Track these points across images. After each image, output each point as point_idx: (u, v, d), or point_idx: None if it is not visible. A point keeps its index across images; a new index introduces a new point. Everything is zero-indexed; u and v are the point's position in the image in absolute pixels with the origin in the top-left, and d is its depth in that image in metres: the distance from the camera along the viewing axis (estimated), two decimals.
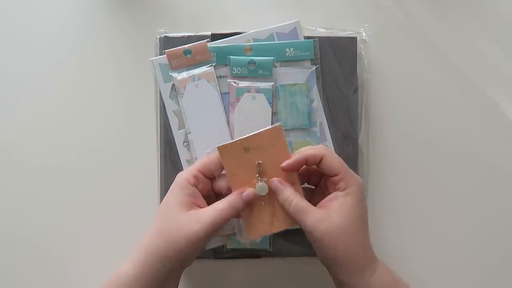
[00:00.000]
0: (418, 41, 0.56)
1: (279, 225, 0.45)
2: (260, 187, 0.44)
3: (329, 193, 0.45)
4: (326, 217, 0.42)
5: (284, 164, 0.44)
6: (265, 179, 0.44)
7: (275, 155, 0.44)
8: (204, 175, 0.45)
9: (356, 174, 0.45)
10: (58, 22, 0.55)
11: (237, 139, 0.44)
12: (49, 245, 0.54)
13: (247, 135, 0.44)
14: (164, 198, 0.45)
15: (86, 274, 0.54)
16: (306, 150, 0.44)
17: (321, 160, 0.44)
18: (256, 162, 0.44)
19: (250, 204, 0.44)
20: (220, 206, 0.43)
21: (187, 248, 0.41)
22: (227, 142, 0.44)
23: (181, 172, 0.46)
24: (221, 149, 0.44)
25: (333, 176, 0.44)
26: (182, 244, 0.41)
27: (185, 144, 0.52)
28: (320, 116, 0.52)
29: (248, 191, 0.44)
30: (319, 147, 0.45)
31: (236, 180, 0.44)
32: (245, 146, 0.44)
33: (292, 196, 0.44)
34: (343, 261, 0.42)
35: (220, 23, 0.55)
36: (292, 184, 0.45)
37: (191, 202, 0.43)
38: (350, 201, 0.43)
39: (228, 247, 0.51)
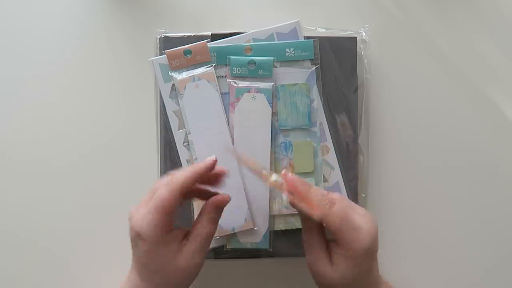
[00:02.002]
0: (418, 41, 0.56)
1: None
2: (276, 175, 0.42)
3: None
4: (326, 267, 0.42)
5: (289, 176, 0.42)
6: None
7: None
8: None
9: (362, 232, 0.40)
10: (58, 23, 0.55)
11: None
12: (49, 245, 0.54)
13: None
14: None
15: (85, 274, 0.54)
16: (311, 192, 0.42)
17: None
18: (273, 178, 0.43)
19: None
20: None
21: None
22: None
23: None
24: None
25: (333, 234, 0.41)
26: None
27: (185, 144, 0.52)
28: (320, 116, 0.52)
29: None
30: (324, 203, 0.41)
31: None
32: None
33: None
34: None
35: (220, 23, 0.55)
36: None
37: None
38: (348, 263, 0.41)
39: (228, 247, 0.51)
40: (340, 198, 0.42)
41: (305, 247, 0.44)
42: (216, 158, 0.43)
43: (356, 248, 0.40)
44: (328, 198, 0.41)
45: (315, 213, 0.40)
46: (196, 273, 0.43)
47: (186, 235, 0.43)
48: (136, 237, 0.41)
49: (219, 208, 0.43)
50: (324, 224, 0.41)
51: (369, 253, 0.41)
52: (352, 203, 0.43)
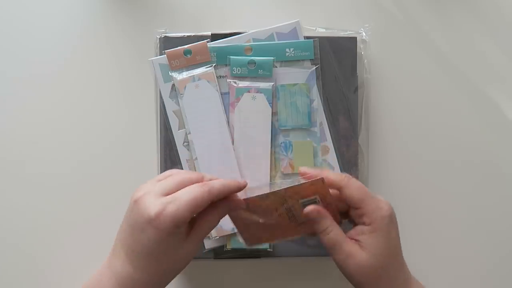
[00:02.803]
0: (418, 41, 0.56)
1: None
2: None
3: (356, 223, 0.43)
4: (356, 254, 0.41)
5: (302, 169, 0.43)
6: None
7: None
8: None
9: (381, 201, 0.42)
10: (58, 23, 0.55)
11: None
12: (49, 246, 0.54)
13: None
14: None
15: (85, 274, 0.54)
16: (327, 173, 0.43)
17: (340, 189, 0.43)
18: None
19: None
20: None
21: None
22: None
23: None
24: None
25: (355, 208, 0.43)
26: None
27: (185, 144, 0.52)
28: (320, 116, 0.52)
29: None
30: (342, 177, 0.43)
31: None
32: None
33: (330, 228, 0.42)
34: None
35: (220, 23, 0.55)
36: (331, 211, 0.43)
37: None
38: (376, 237, 0.41)
39: (228, 247, 0.51)
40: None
41: (329, 247, 0.42)
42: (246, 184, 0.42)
43: (380, 217, 0.42)
44: (343, 174, 0.44)
45: (340, 182, 0.42)
46: (190, 260, 0.42)
47: (190, 222, 0.41)
48: (147, 224, 0.38)
49: (233, 209, 0.43)
50: (345, 197, 0.42)
51: (393, 222, 0.42)
52: None
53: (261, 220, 0.43)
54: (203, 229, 0.41)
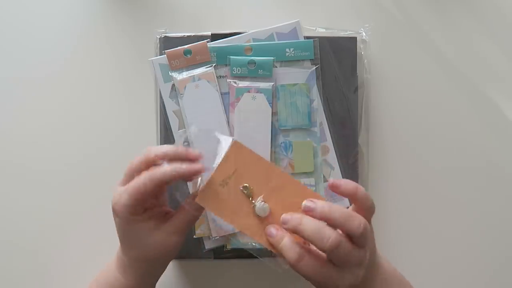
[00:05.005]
0: (418, 41, 0.56)
1: None
2: (260, 208, 0.41)
3: None
4: None
5: (333, 182, 0.41)
6: (260, 200, 0.41)
7: (252, 171, 0.41)
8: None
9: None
10: (58, 23, 0.55)
11: (203, 178, 0.41)
12: (49, 246, 0.54)
13: (214, 167, 0.41)
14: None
15: (85, 274, 0.54)
16: (361, 190, 0.42)
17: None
18: (240, 187, 0.41)
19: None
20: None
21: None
22: (198, 188, 0.41)
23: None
24: (200, 198, 0.41)
25: None
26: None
27: (185, 144, 0.52)
28: (320, 116, 0.52)
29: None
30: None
31: (231, 216, 0.41)
32: (219, 180, 0.41)
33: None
34: None
35: (220, 23, 0.55)
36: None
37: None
38: None
39: (228, 247, 0.51)
40: None
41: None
42: (199, 154, 0.42)
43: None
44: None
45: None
46: (175, 249, 0.44)
47: (168, 214, 0.45)
48: (113, 212, 0.43)
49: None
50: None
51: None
52: None
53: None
54: (178, 220, 0.43)
